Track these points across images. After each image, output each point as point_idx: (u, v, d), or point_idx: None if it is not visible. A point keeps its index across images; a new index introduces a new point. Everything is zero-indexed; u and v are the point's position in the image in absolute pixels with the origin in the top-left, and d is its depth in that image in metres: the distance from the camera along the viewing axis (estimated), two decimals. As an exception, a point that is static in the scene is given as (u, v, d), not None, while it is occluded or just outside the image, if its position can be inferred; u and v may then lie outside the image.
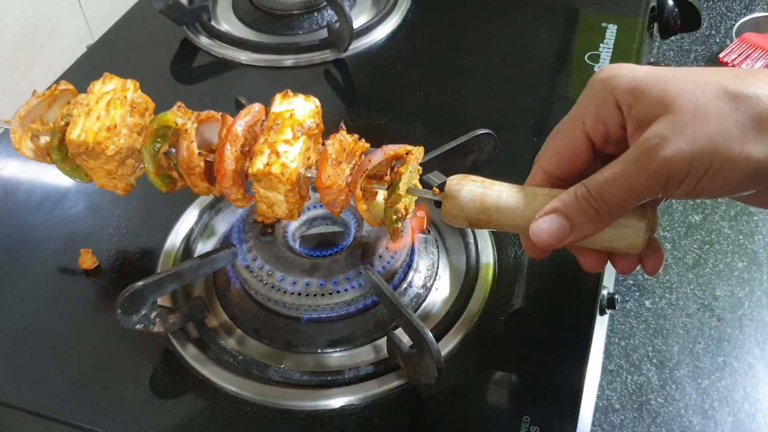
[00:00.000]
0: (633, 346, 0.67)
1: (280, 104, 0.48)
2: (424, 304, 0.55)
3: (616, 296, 0.58)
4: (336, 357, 0.53)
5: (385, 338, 0.51)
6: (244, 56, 0.80)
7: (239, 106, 0.63)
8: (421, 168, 0.49)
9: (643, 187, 0.38)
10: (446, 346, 0.51)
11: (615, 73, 0.41)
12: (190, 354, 0.52)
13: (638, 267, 0.72)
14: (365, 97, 0.77)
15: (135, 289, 0.48)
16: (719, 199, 0.80)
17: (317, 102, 0.49)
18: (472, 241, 0.58)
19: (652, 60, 0.99)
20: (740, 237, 0.76)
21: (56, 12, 0.84)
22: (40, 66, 0.84)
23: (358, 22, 0.82)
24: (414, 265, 0.56)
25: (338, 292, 0.51)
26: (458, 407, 0.49)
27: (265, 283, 0.52)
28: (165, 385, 0.51)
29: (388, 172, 0.48)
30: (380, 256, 0.53)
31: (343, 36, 0.76)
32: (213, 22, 0.84)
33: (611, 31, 0.79)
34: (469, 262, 0.56)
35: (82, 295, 0.57)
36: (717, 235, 0.77)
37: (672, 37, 1.02)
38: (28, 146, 0.53)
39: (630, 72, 0.40)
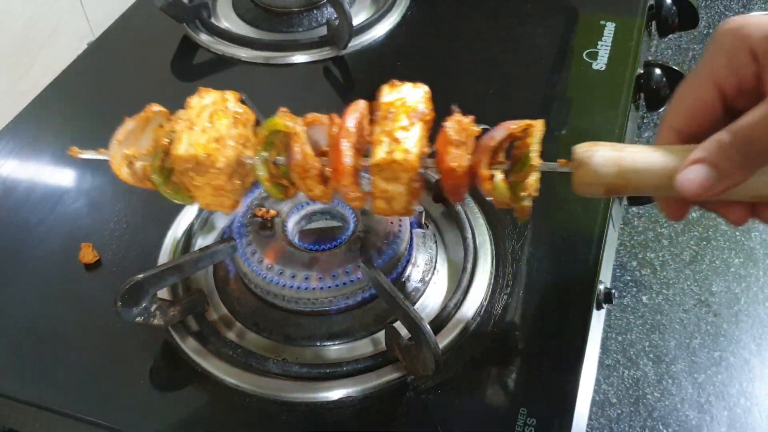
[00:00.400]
0: (630, 341, 0.68)
1: (389, 94, 0.47)
2: (422, 299, 0.56)
3: (613, 291, 0.58)
4: (335, 350, 0.53)
5: (383, 331, 0.52)
6: (244, 53, 0.80)
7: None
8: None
9: None
10: (444, 339, 0.52)
11: (745, 22, 0.40)
12: (190, 347, 0.52)
13: (632, 264, 0.73)
14: (364, 95, 0.77)
15: (135, 282, 0.48)
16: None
17: (426, 88, 0.48)
18: (470, 235, 0.58)
19: (650, 58, 0.99)
20: (737, 233, 0.77)
21: (57, 11, 0.85)
22: (41, 65, 0.84)
23: (357, 20, 0.82)
24: (412, 260, 0.57)
25: (337, 285, 0.52)
26: (455, 399, 0.49)
27: (264, 277, 0.52)
28: (165, 378, 0.52)
29: (504, 151, 0.46)
30: (379, 250, 0.54)
31: (342, 33, 0.76)
32: (213, 20, 0.85)
33: (609, 29, 0.79)
34: (467, 257, 0.57)
35: (83, 289, 0.58)
36: (714, 231, 0.77)
37: (670, 36, 1.02)
38: (126, 172, 0.51)
39: (760, 20, 0.39)
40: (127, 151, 0.50)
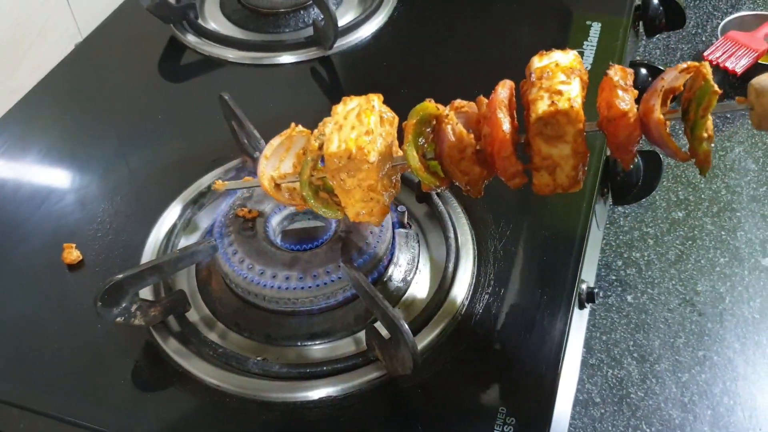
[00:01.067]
0: (614, 340, 0.68)
1: (540, 61, 0.45)
2: (403, 298, 0.56)
3: (596, 290, 0.59)
4: (316, 350, 0.53)
5: (364, 331, 0.52)
6: (231, 54, 0.80)
7: (223, 103, 0.63)
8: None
9: None
10: (424, 338, 0.52)
11: None
12: (171, 347, 0.53)
13: (618, 263, 0.73)
14: (351, 95, 0.78)
15: (115, 282, 0.48)
16: (702, 196, 0.81)
17: (575, 52, 0.46)
18: (452, 235, 0.58)
19: (638, 58, 1.00)
20: (722, 233, 0.77)
21: (45, 11, 0.85)
22: (29, 65, 0.84)
23: (344, 20, 0.82)
24: (394, 260, 0.57)
25: (317, 285, 0.52)
26: (435, 398, 0.49)
27: (245, 277, 0.52)
28: (147, 378, 0.52)
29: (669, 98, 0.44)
30: (360, 250, 0.54)
31: (327, 34, 0.77)
32: (200, 20, 0.85)
33: (595, 29, 0.79)
34: (449, 257, 0.57)
35: (66, 289, 0.58)
36: (700, 231, 0.77)
37: (658, 36, 1.03)
38: (277, 191, 0.51)
39: None
40: (273, 173, 0.51)
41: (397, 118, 0.49)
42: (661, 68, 0.78)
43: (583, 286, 0.57)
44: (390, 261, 0.56)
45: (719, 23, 1.01)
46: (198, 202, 0.63)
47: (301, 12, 0.84)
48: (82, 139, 0.73)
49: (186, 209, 0.62)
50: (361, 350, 0.52)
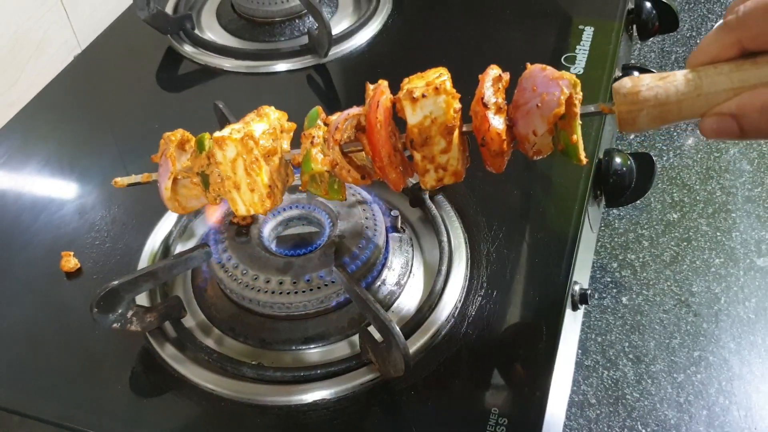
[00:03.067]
0: (609, 341, 0.68)
1: (414, 112, 0.46)
2: (397, 302, 0.56)
3: (590, 292, 0.59)
4: (311, 353, 0.54)
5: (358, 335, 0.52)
6: (227, 63, 0.81)
7: (217, 111, 0.64)
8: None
9: None
10: (417, 341, 0.52)
11: None
12: (167, 353, 0.53)
13: (613, 265, 0.73)
14: (347, 102, 0.78)
15: (110, 288, 0.49)
16: (697, 197, 0.81)
17: (441, 73, 0.49)
18: (445, 239, 0.59)
19: (633, 62, 1.00)
20: (718, 234, 0.77)
21: (43, 23, 0.86)
22: (28, 77, 0.85)
23: (339, 28, 0.83)
24: (388, 263, 0.57)
25: (311, 290, 0.53)
26: (428, 400, 0.50)
27: (240, 282, 0.53)
28: (144, 384, 0.52)
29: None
30: (353, 255, 0.54)
31: (322, 42, 0.77)
32: (197, 31, 0.86)
33: (588, 33, 0.80)
34: (442, 260, 0.57)
35: (64, 297, 0.58)
36: (695, 232, 0.77)
37: (653, 39, 1.03)
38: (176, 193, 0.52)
39: None
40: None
41: (277, 129, 0.51)
42: (654, 71, 0.79)
43: (576, 288, 0.57)
44: (384, 265, 0.57)
45: (713, 26, 1.01)
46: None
47: (296, 21, 0.85)
48: (81, 149, 0.74)
49: (182, 217, 0.63)
50: (355, 353, 0.53)
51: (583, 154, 0.46)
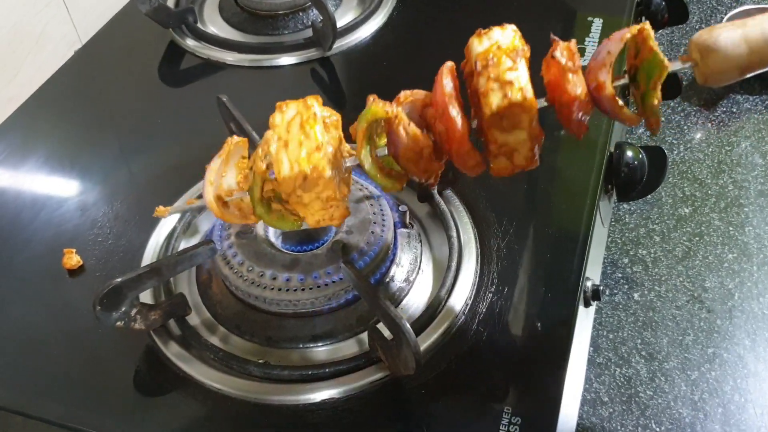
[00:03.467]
0: (622, 338, 0.67)
1: (480, 44, 0.43)
2: (406, 298, 0.55)
3: (602, 288, 0.58)
4: (318, 351, 0.53)
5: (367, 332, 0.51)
6: (230, 57, 0.80)
7: (221, 106, 0.63)
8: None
9: None
10: (428, 338, 0.51)
11: None
12: (172, 351, 0.52)
13: (624, 261, 0.72)
14: (351, 96, 0.77)
15: (113, 286, 0.48)
16: (709, 192, 0.80)
17: (514, 26, 0.45)
18: (454, 234, 0.58)
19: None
20: (730, 228, 0.76)
21: (43, 17, 0.84)
22: (28, 72, 0.84)
23: (343, 21, 0.82)
24: (396, 260, 0.56)
25: (318, 287, 0.51)
26: (439, 399, 0.48)
27: (245, 279, 0.52)
28: (149, 383, 0.51)
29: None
30: (361, 251, 0.53)
31: (326, 35, 0.76)
32: (199, 24, 0.85)
33: (597, 25, 0.79)
34: (452, 256, 0.56)
35: (66, 294, 0.57)
36: (707, 227, 0.76)
37: (662, 31, 1.02)
38: (229, 212, 0.48)
39: None
40: (217, 192, 0.48)
41: (339, 118, 0.47)
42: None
43: (588, 284, 0.56)
44: (392, 261, 0.56)
45: (723, 18, 1.00)
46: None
47: (300, 14, 0.84)
48: (82, 145, 0.73)
49: (186, 212, 0.61)
50: (363, 351, 0.52)
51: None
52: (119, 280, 0.48)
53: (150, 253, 0.59)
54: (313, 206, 0.45)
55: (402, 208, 0.59)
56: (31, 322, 0.56)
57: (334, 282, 0.52)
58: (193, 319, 0.55)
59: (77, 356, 0.53)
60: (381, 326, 0.50)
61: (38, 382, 0.52)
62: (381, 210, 0.56)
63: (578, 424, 0.60)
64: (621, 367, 0.65)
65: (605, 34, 0.77)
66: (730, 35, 0.41)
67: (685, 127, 0.88)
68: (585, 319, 0.60)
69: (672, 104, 0.92)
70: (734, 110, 0.89)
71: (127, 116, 0.77)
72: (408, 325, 0.45)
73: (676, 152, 0.85)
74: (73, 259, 0.58)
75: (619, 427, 0.61)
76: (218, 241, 0.54)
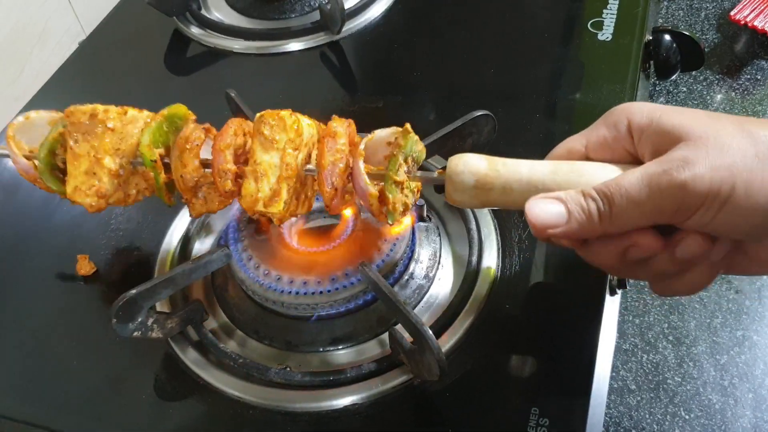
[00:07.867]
0: (648, 323, 0.65)
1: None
2: (427, 296, 0.54)
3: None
4: (339, 355, 0.52)
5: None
6: (236, 44, 0.78)
7: (230, 101, 0.61)
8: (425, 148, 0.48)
9: (653, 205, 0.38)
10: (452, 336, 0.50)
11: (633, 104, 0.42)
12: (190, 358, 0.51)
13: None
14: (362, 80, 0.75)
15: (128, 298, 0.47)
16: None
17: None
18: (474, 227, 0.56)
19: (661, 21, 0.95)
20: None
21: (45, 12, 0.82)
22: (32, 69, 0.83)
23: (351, 1, 0.79)
24: (415, 256, 0.55)
25: (336, 289, 0.50)
26: (464, 402, 0.47)
27: (262, 283, 0.51)
28: (168, 391, 0.51)
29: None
30: (379, 249, 0.52)
31: (335, 17, 0.74)
32: (204, 11, 0.82)
33: (614, -2, 0.75)
34: (472, 249, 0.55)
35: (81, 302, 0.57)
36: (733, 202, 0.74)
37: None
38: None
39: (648, 105, 0.42)
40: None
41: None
42: (686, 33, 0.74)
43: (613, 273, 0.54)
44: (411, 258, 0.54)
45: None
46: (210, 204, 0.61)
47: (307, -4, 0.81)
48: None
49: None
50: (385, 353, 0.51)
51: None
52: (134, 291, 0.47)
53: (164, 256, 0.58)
54: (81, 163, 0.48)
55: (419, 201, 0.57)
56: (46, 332, 0.55)
57: (352, 284, 0.50)
58: (210, 324, 0.54)
59: (95, 366, 0.53)
60: (401, 327, 0.48)
61: (54, 393, 0.51)
62: (398, 205, 0.54)
63: (606, 414, 0.59)
64: (648, 353, 0.63)
65: (623, 5, 0.74)
66: (476, 166, 0.43)
67: (708, 97, 0.85)
68: (611, 308, 0.58)
69: (694, 73, 0.89)
70: (759, 77, 0.86)
71: (134, 107, 0.75)
72: (430, 332, 0.44)
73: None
74: (87, 265, 0.57)
75: (647, 416, 0.60)
76: (233, 244, 0.53)
